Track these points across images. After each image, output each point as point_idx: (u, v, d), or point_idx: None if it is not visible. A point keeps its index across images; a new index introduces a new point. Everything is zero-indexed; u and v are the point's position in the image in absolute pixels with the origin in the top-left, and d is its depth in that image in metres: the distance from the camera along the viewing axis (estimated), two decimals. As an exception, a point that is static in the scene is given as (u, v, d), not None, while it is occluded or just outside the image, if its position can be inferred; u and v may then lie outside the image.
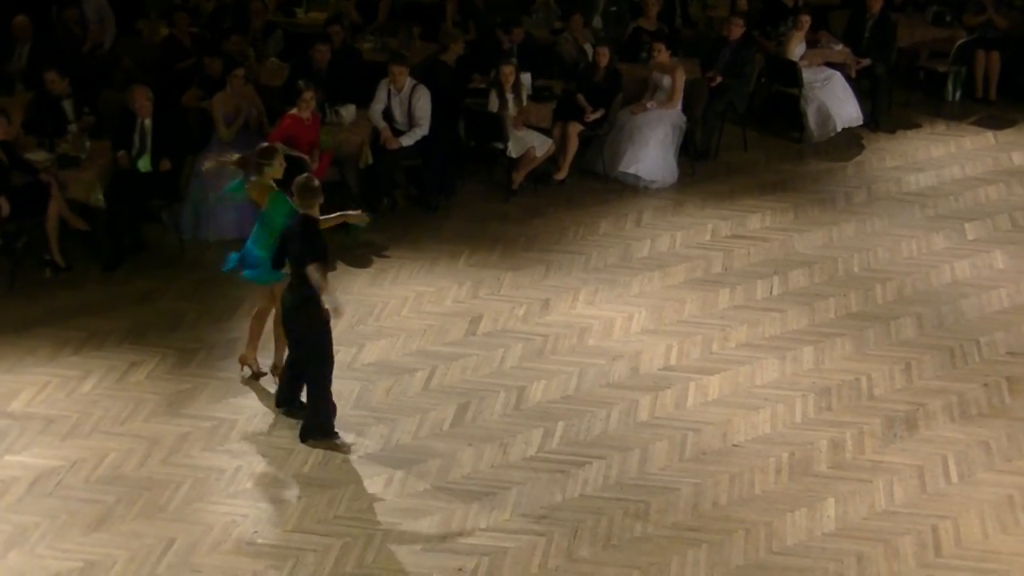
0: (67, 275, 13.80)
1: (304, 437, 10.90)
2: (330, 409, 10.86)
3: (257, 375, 11.82)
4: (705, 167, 16.81)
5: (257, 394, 11.66)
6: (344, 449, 10.80)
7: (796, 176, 16.61)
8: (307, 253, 10.43)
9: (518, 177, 15.90)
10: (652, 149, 16.11)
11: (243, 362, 11.88)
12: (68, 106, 14.85)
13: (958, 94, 19.22)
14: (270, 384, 11.70)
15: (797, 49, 17.51)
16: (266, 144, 11.73)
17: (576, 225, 15.13)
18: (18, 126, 14.45)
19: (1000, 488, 10.46)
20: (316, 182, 10.66)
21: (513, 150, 15.67)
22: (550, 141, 15.92)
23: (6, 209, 13.27)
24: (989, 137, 17.93)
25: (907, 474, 10.63)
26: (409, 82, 15.23)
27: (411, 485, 10.44)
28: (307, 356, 10.81)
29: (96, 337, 12.60)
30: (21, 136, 14.45)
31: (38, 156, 14.03)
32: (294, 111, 14.29)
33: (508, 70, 15.69)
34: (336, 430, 10.91)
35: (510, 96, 15.71)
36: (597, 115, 16.18)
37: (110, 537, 9.78)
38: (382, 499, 10.27)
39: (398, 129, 15.25)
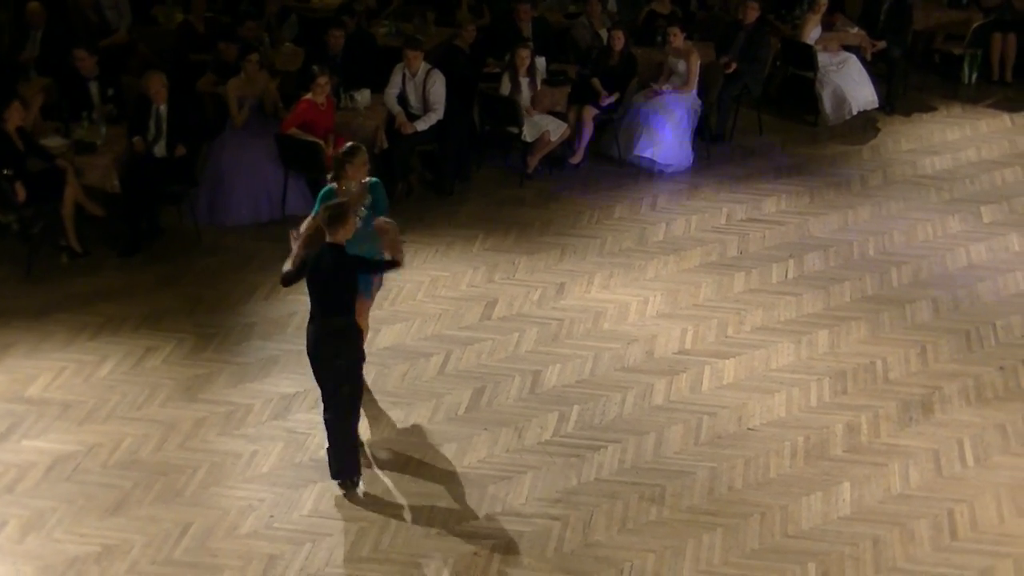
0: (83, 261, 13.84)
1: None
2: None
3: None
4: (720, 151, 16.78)
5: (272, 379, 11.68)
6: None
7: (811, 159, 16.57)
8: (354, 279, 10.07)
9: (533, 161, 15.90)
10: (667, 133, 16.09)
11: None
12: (94, 88, 14.88)
13: (974, 77, 19.17)
14: (292, 371, 11.70)
15: (812, 32, 17.47)
16: (352, 144, 11.06)
17: (591, 209, 15.13)
18: (36, 112, 14.50)
19: (1016, 471, 10.45)
20: (342, 207, 10.07)
21: (528, 134, 15.66)
22: (565, 125, 15.91)
23: (22, 195, 13.31)
24: (1005, 120, 17.87)
25: (923, 458, 10.62)
26: (424, 67, 15.23)
27: (426, 470, 10.46)
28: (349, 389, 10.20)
29: (113, 322, 12.64)
30: (39, 122, 14.49)
31: (54, 142, 14.07)
32: (309, 96, 14.32)
33: (524, 53, 15.65)
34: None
35: (524, 80, 15.69)
36: (612, 99, 16.16)
37: (127, 521, 9.82)
38: (398, 483, 10.29)
39: (413, 114, 15.25)
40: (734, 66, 16.73)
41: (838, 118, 17.51)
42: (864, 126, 17.56)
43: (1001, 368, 11.92)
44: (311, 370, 10.12)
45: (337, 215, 9.84)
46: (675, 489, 10.23)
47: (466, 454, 10.67)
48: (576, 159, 16.22)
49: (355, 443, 10.28)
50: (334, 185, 10.88)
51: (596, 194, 15.52)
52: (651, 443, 10.81)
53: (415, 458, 10.61)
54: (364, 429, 10.82)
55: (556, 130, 15.79)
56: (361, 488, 10.22)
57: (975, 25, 18.71)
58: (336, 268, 9.82)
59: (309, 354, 10.05)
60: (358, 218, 10.70)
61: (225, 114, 15.14)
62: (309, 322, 10.04)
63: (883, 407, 11.31)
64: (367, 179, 11.00)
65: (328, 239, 9.86)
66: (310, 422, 10.98)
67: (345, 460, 10.18)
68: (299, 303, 12.50)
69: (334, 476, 10.21)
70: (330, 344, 9.93)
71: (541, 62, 16.15)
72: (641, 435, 10.91)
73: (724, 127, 17.11)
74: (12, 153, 13.41)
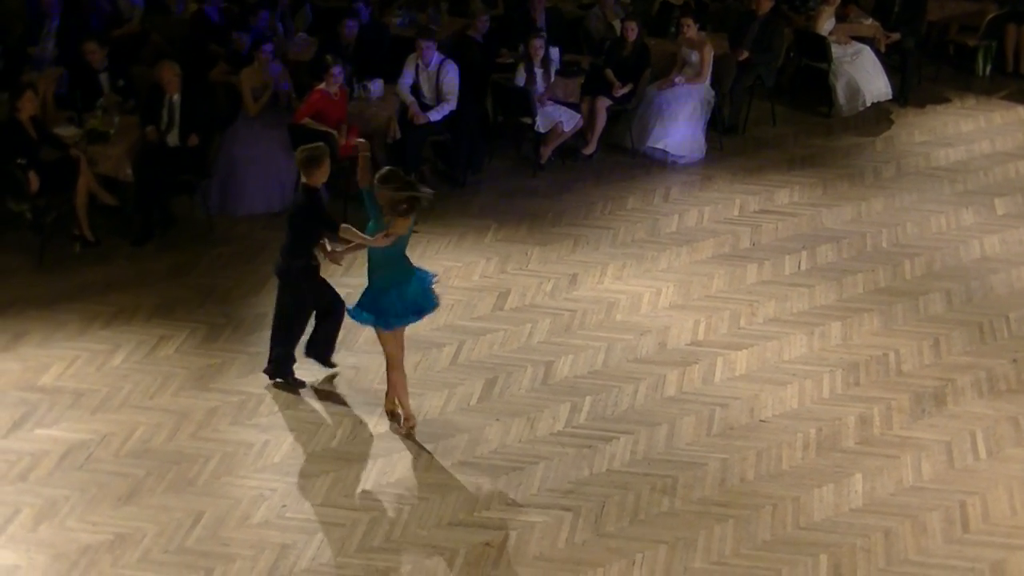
0: (96, 250, 13.85)
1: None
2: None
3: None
4: (733, 142, 16.77)
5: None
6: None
7: (825, 151, 16.55)
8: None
9: (546, 152, 15.89)
10: (680, 124, 16.08)
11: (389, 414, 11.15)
12: (104, 79, 14.90)
13: (988, 68, 19.13)
14: (303, 361, 11.67)
15: (826, 23, 17.44)
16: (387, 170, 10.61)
17: (604, 200, 15.12)
18: (49, 101, 14.50)
19: (1028, 464, 10.46)
20: (319, 150, 10.71)
21: (541, 125, 15.65)
22: (578, 116, 15.90)
23: (35, 184, 13.32)
24: (1019, 112, 17.82)
25: (935, 450, 10.61)
26: (437, 57, 15.22)
27: (438, 460, 10.47)
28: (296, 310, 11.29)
29: (125, 312, 12.66)
30: (51, 111, 14.50)
31: (67, 131, 14.08)
32: (322, 86, 14.32)
33: (538, 44, 15.63)
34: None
35: (539, 71, 15.67)
36: (625, 90, 16.15)
37: (139, 510, 9.84)
38: (410, 473, 10.30)
39: (426, 104, 15.24)
40: (746, 54, 16.70)
41: (851, 109, 17.48)
42: (877, 118, 17.53)
43: (1014, 360, 11.91)
44: None
45: (313, 157, 10.59)
46: (687, 480, 10.23)
47: (478, 444, 10.67)
48: (589, 150, 16.21)
49: (287, 352, 11.40)
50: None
51: (609, 185, 15.51)
52: (663, 434, 10.81)
53: (427, 448, 10.61)
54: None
55: (569, 121, 15.77)
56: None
57: (989, 16, 18.68)
58: (298, 207, 10.78)
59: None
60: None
61: (238, 104, 15.14)
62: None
63: (896, 399, 11.30)
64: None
65: (303, 179, 10.62)
66: (322, 412, 11.00)
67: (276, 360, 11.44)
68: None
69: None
70: (281, 277, 11.04)
71: (555, 53, 16.14)
72: (653, 426, 10.91)
73: (737, 118, 17.09)
74: (25, 142, 13.42)
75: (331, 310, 11.30)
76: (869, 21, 18.08)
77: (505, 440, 10.74)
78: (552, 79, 15.86)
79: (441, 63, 15.20)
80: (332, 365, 11.62)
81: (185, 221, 14.46)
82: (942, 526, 9.71)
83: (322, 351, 11.54)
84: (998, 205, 14.99)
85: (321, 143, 10.88)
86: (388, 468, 10.36)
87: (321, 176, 10.69)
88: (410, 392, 11.16)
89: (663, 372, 11.69)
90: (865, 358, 11.92)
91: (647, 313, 12.70)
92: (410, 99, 15.22)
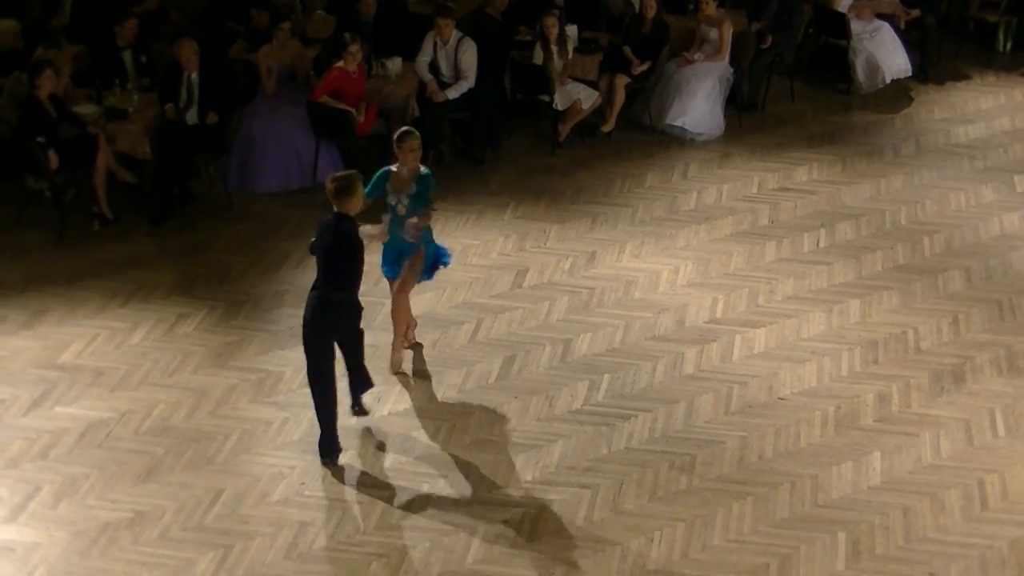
0: (115, 228, 13.87)
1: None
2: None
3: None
4: (752, 119, 16.71)
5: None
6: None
7: (844, 128, 16.50)
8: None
9: (564, 129, 15.86)
10: (699, 101, 16.04)
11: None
12: (128, 56, 14.91)
13: (1009, 45, 19.02)
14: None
15: (845, 0, 17.37)
16: (405, 128, 10.96)
17: (622, 177, 15.09)
18: (67, 79, 14.51)
19: (1048, 442, 10.44)
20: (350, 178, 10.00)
21: (559, 102, 15.61)
22: (596, 93, 15.86)
23: (54, 162, 13.34)
24: (1040, 88, 17.79)
25: (954, 427, 10.60)
26: (455, 34, 15.19)
27: (457, 437, 10.49)
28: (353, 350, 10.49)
29: (144, 289, 12.68)
30: (70, 89, 14.50)
31: (86, 109, 14.09)
32: (340, 64, 14.31)
33: (550, 21, 15.58)
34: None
35: (554, 48, 15.62)
36: (644, 67, 16.10)
37: (159, 488, 9.87)
38: (428, 451, 10.32)
39: (444, 82, 15.22)
40: (769, 40, 16.62)
41: (871, 86, 17.42)
42: (897, 95, 17.46)
43: (1033, 338, 11.91)
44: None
45: (344, 186, 9.82)
46: (705, 458, 10.23)
47: (496, 422, 10.69)
48: (607, 127, 16.18)
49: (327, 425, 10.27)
50: (392, 168, 10.83)
51: (627, 162, 15.49)
52: (681, 412, 10.81)
53: (445, 426, 10.63)
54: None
55: (587, 98, 15.73)
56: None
57: (1011, -8, 18.61)
58: (339, 239, 9.84)
59: (304, 321, 10.01)
60: (402, 206, 10.75)
61: (257, 81, 15.15)
62: (311, 288, 10.08)
63: (914, 377, 11.28)
64: (421, 168, 10.87)
65: (336, 209, 9.87)
66: (341, 390, 10.97)
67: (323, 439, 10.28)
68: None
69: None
70: (326, 317, 9.97)
71: (573, 30, 16.10)
72: (671, 404, 10.92)
73: (756, 95, 17.03)
74: (44, 120, 13.45)
75: (352, 342, 10.44)
76: (889, -3, 18.02)
77: (523, 418, 10.75)
78: (570, 56, 15.81)
79: (459, 41, 15.18)
80: (365, 412, 10.79)
81: (204, 198, 14.47)
82: (960, 504, 9.71)
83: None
84: (1018, 182, 14.93)
85: (353, 171, 10.26)
86: (406, 446, 10.38)
87: (356, 204, 9.92)
88: (429, 370, 11.30)
89: (681, 350, 11.69)
90: (884, 336, 11.90)
91: (665, 291, 12.70)
92: (428, 77, 15.21)
